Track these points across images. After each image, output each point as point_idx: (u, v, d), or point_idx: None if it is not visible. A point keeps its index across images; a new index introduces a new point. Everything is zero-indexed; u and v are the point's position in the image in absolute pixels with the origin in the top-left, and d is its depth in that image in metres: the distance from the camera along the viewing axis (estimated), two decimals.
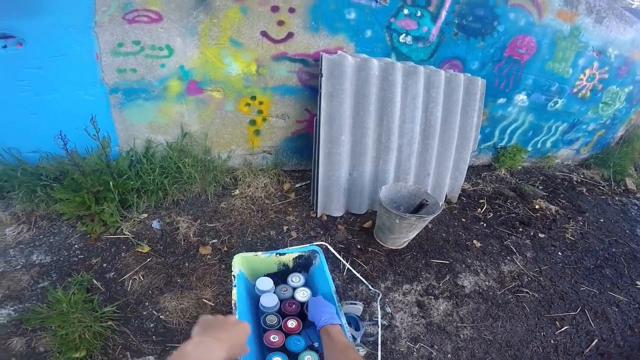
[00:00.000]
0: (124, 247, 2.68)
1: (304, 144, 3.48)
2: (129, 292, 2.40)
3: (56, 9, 2.46)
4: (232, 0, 2.67)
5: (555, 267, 3.15)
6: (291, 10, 2.78)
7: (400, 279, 2.77)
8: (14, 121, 2.79)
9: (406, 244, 3.02)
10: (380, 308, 1.70)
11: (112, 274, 2.50)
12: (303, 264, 1.86)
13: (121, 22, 2.60)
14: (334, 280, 1.73)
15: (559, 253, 3.31)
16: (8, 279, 2.35)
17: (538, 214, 3.72)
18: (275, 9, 2.75)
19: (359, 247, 2.96)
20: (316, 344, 1.47)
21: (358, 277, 1.86)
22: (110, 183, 2.75)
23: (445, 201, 3.62)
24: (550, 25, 3.37)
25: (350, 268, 2.04)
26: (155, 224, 2.86)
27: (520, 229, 3.49)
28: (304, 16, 2.83)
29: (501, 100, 3.80)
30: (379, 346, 1.52)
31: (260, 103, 3.17)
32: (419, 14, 3.02)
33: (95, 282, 2.42)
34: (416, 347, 2.38)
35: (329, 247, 2.01)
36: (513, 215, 3.64)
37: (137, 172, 2.98)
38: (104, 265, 2.55)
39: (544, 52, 3.53)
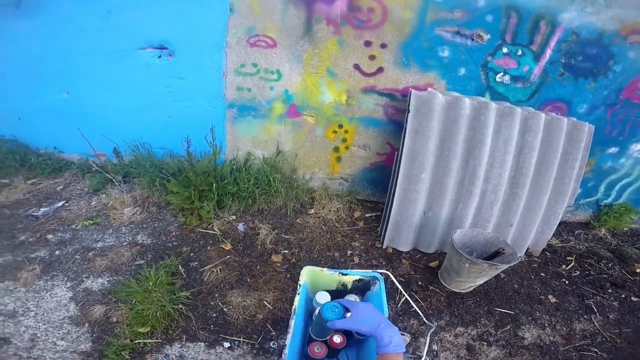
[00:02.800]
0: (210, 242, 2.62)
1: (380, 176, 3.16)
2: (205, 282, 2.30)
3: (200, 27, 2.62)
4: (331, 32, 2.57)
5: None
6: (383, 45, 2.58)
7: (456, 321, 2.25)
8: (152, 120, 3.02)
9: (471, 288, 2.46)
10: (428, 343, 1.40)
11: (196, 263, 2.44)
12: (361, 288, 1.70)
13: (245, 44, 2.67)
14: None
15: None
16: (114, 252, 2.43)
17: (637, 278, 2.82)
18: (368, 43, 2.59)
19: (419, 283, 2.50)
20: None
21: (411, 311, 1.57)
22: (213, 185, 2.77)
23: (525, 253, 2.94)
24: None
25: (409, 298, 1.67)
26: (241, 227, 2.77)
27: (610, 290, 2.65)
28: (395, 52, 2.60)
29: (612, 150, 2.98)
30: None
31: (346, 132, 2.98)
32: (519, 52, 2.55)
33: (180, 268, 2.37)
34: None
35: (391, 276, 1.73)
36: (605, 276, 2.80)
37: (235, 179, 2.98)
38: (191, 254, 2.50)
39: None
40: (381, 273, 1.68)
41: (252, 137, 3.08)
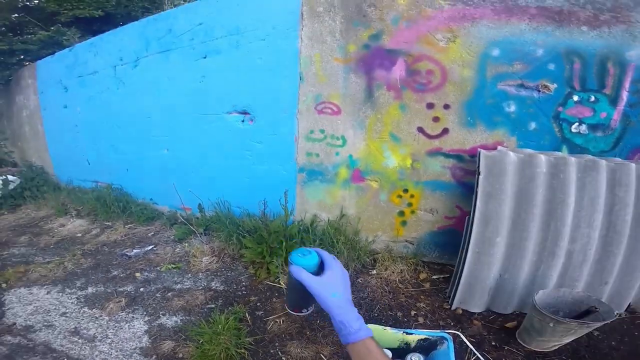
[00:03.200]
0: (276, 294, 2.71)
1: (449, 240, 2.96)
2: (268, 330, 2.34)
3: (277, 94, 2.96)
4: (392, 97, 2.69)
5: None
6: (446, 106, 2.62)
7: None
8: (233, 180, 3.40)
9: (556, 347, 2.08)
10: None
11: (261, 312, 2.52)
12: (426, 347, 1.54)
13: (313, 111, 2.91)
14: None
15: None
16: (190, 294, 2.65)
17: None
18: (430, 105, 2.64)
19: (493, 343, 2.19)
20: None
21: None
22: (283, 243, 2.94)
23: (626, 310, 2.44)
24: None
25: (480, 357, 1.50)
26: None
27: None
28: (459, 112, 2.61)
29: None
30: None
31: (412, 196, 2.93)
32: (592, 99, 2.40)
33: (247, 315, 2.47)
34: None
35: (461, 335, 1.63)
36: None
37: (302, 238, 3.11)
38: (258, 304, 2.60)
39: None
40: (450, 333, 1.55)
41: (318, 201, 3.19)
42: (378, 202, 3.04)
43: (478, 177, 2.35)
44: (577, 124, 2.50)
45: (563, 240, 2.29)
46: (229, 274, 2.94)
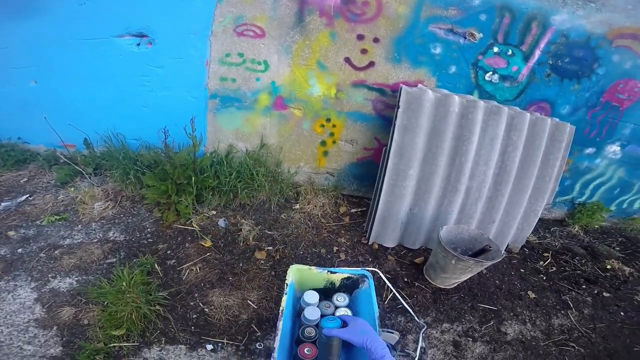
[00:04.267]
0: (189, 239, 2.54)
1: (367, 172, 3.16)
2: (184, 281, 2.22)
3: (185, 15, 2.51)
4: (324, 24, 2.52)
5: (613, 327, 2.49)
6: (375, 40, 2.56)
7: (442, 317, 2.31)
8: (126, 110, 2.88)
9: (455, 285, 2.53)
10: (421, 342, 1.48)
11: (173, 261, 2.35)
12: (349, 286, 1.73)
13: (232, 33, 2.58)
14: None
15: (622, 313, 2.62)
16: (83, 250, 2.30)
17: (608, 274, 2.98)
18: (360, 37, 2.55)
19: (405, 280, 2.54)
20: None
21: (398, 308, 1.61)
22: (192, 178, 2.68)
23: (505, 250, 3.05)
24: None
25: (399, 296, 1.70)
26: (221, 222, 2.70)
27: (584, 286, 2.81)
28: (388, 47, 2.58)
29: (589, 151, 3.11)
30: None
31: (334, 126, 2.95)
32: (509, 52, 2.59)
33: (156, 266, 2.28)
34: None
35: (380, 273, 1.77)
36: (579, 272, 2.95)
37: (215, 172, 2.89)
38: (168, 252, 2.41)
39: None
40: (370, 271, 1.69)
41: (234, 129, 3.00)
42: (301, 130, 2.99)
43: (397, 111, 2.45)
44: (491, 72, 2.69)
45: (464, 176, 2.58)
46: (129, 221, 2.60)
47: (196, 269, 2.30)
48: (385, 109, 2.84)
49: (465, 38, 2.53)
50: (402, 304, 1.72)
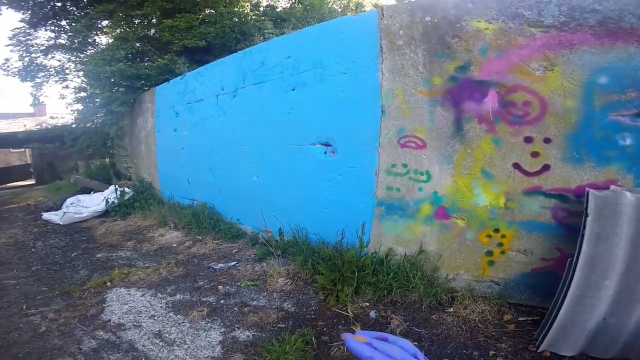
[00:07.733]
0: (343, 322, 2.85)
1: (543, 282, 2.72)
2: (331, 356, 2.47)
3: (358, 127, 3.15)
4: (484, 130, 2.63)
5: None
6: (547, 140, 2.46)
7: None
8: (311, 209, 3.70)
9: None
10: None
11: (327, 337, 2.67)
12: None
13: (396, 145, 2.97)
14: None
15: None
16: (264, 312, 2.94)
17: None
18: (528, 139, 2.51)
19: None
20: None
21: None
22: (355, 273, 3.10)
23: None
24: None
25: None
26: (372, 314, 2.92)
27: None
28: (563, 146, 2.42)
29: None
30: None
31: (503, 236, 2.76)
32: None
33: (313, 339, 2.64)
34: None
35: None
36: None
37: (374, 270, 3.20)
38: (324, 329, 2.77)
39: None
40: None
41: (395, 235, 3.21)
42: (463, 240, 2.94)
43: (585, 219, 2.21)
44: None
45: None
46: (300, 297, 3.18)
47: (343, 349, 2.51)
48: (568, 217, 2.52)
49: None
50: None
